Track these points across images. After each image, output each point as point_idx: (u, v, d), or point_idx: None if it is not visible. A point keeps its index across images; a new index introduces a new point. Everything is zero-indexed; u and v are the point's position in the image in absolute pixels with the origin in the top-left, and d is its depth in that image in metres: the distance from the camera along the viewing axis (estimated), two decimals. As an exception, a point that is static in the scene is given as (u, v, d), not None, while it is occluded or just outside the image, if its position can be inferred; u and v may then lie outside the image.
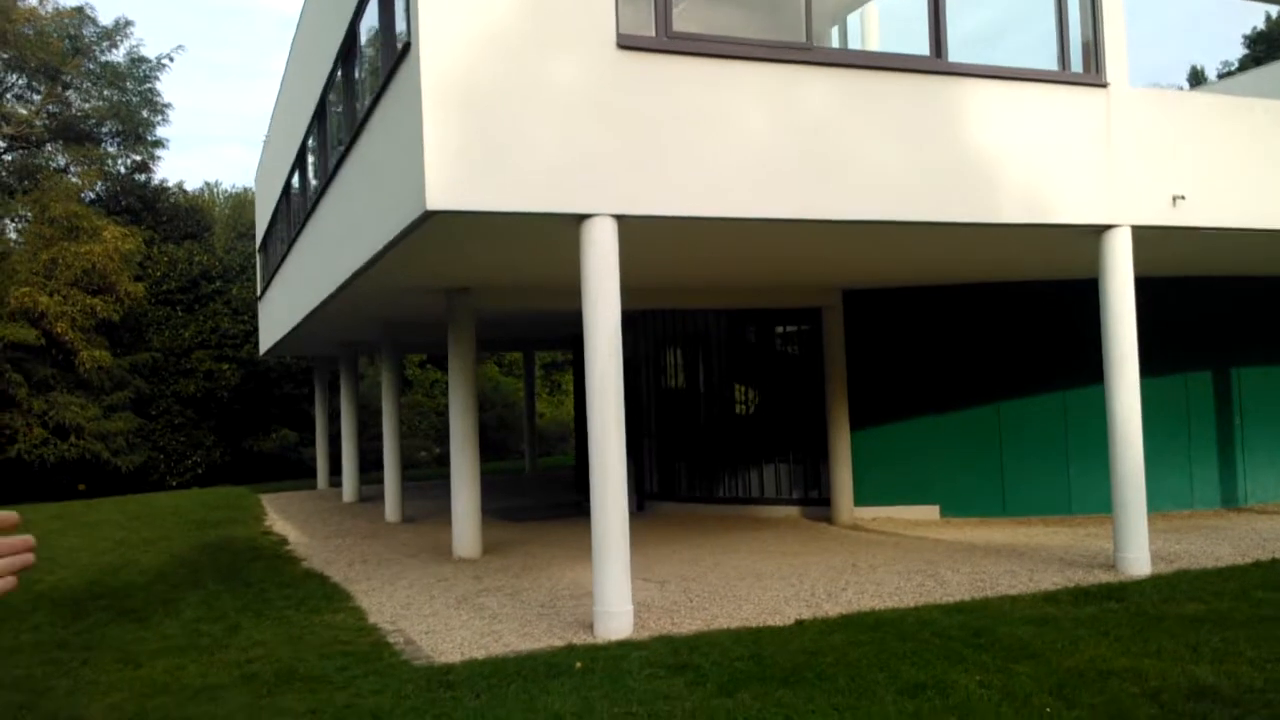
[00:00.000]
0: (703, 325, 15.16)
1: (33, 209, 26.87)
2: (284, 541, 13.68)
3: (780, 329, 14.92)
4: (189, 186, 37.84)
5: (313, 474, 24.08)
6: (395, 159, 7.87)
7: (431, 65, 6.97)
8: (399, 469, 15.84)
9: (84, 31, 29.52)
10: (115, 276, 26.03)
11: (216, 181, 54.93)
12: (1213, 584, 8.43)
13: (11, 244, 28.29)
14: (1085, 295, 9.80)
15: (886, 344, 13.69)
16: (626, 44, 7.43)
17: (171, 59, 37.44)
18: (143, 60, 30.96)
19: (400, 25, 7.89)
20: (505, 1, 7.16)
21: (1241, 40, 40.26)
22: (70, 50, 28.79)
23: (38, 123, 29.03)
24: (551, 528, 13.76)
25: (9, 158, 29.65)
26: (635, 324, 15.58)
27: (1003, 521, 12.89)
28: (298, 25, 15.08)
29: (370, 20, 9.46)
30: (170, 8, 75.37)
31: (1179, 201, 9.30)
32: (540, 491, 19.54)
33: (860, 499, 13.47)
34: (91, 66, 29.84)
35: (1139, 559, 9.17)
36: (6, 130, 28.63)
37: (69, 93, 29.65)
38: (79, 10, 29.24)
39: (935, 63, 8.52)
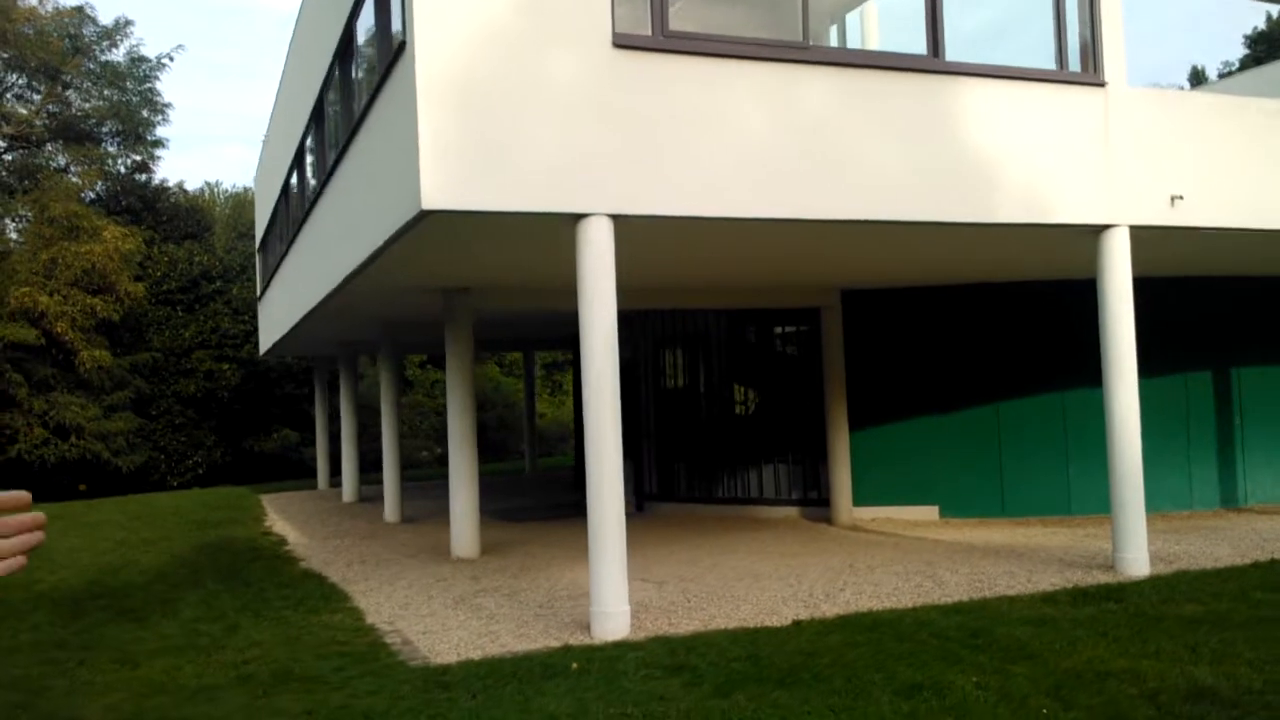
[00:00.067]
0: (702, 325, 15.14)
1: (33, 209, 26.89)
2: (283, 542, 13.67)
3: (779, 329, 14.90)
4: (189, 186, 37.87)
5: (314, 474, 24.09)
6: (391, 158, 7.86)
7: (426, 64, 6.96)
8: (398, 469, 15.83)
9: (84, 31, 29.52)
10: (115, 276, 26.04)
11: (217, 181, 54.95)
12: (1212, 585, 8.41)
13: (12, 244, 28.31)
14: (1085, 296, 9.78)
15: (885, 344, 13.67)
16: (623, 43, 7.42)
17: (171, 58, 37.42)
18: (143, 60, 30.98)
19: (396, 24, 7.88)
20: (501, 0, 7.15)
21: (1242, 40, 40.24)
22: (70, 50, 28.79)
23: (38, 122, 29.03)
24: (551, 528, 13.75)
25: (9, 157, 29.66)
26: (634, 324, 15.57)
27: (1002, 522, 12.87)
28: (296, 24, 15.07)
29: (367, 19, 9.45)
30: (170, 7, 75.45)
31: (1177, 201, 9.28)
32: (540, 492, 19.52)
33: (859, 499, 13.45)
34: (91, 66, 29.84)
35: (1138, 559, 9.15)
36: (7, 130, 28.64)
37: (69, 92, 29.66)
38: (79, 10, 29.24)
39: (933, 62, 8.50)
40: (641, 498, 15.44)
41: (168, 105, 31.51)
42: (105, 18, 49.21)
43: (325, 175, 11.68)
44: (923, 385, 13.48)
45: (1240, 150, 9.73)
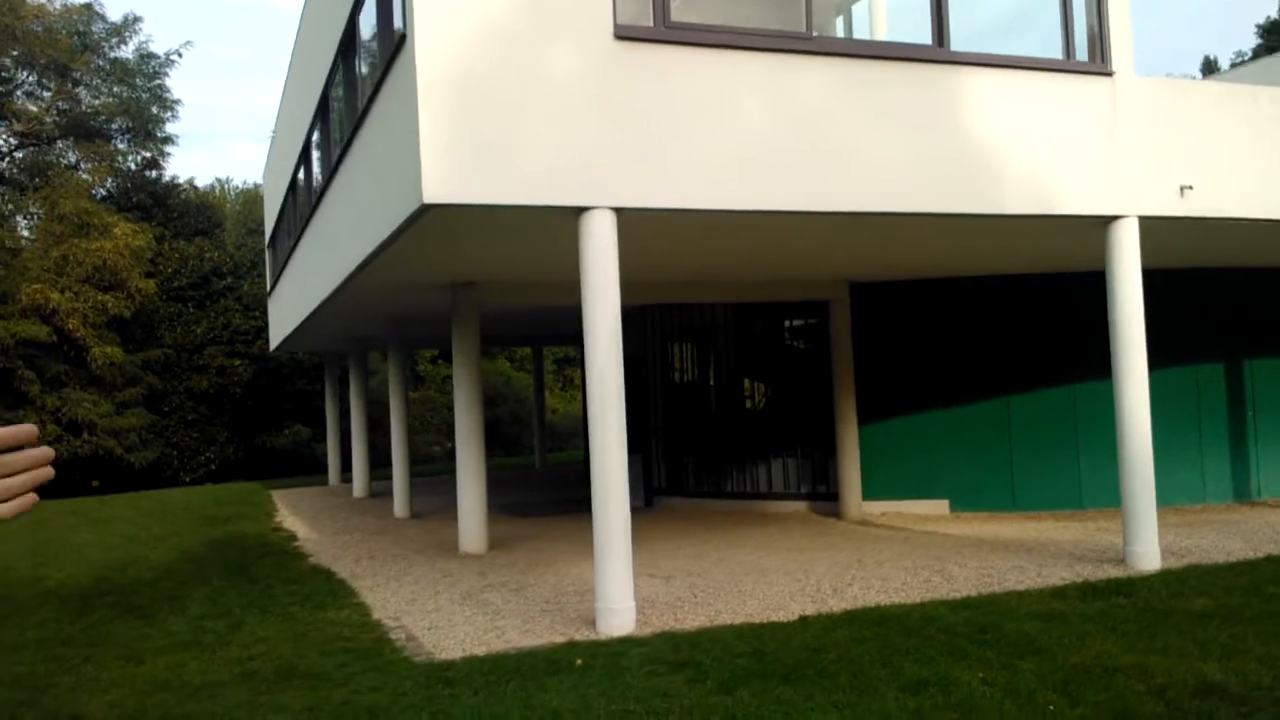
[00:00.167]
0: (710, 319, 15.09)
1: (43, 206, 26.98)
2: (293, 537, 13.69)
3: (787, 323, 14.84)
4: (199, 183, 37.74)
5: (325, 470, 24.15)
6: (393, 152, 7.83)
7: (427, 57, 6.92)
8: (407, 465, 15.84)
9: (93, 28, 29.57)
10: (126, 273, 26.12)
11: (227, 177, 55.22)
12: (1223, 579, 8.33)
13: (23, 241, 28.41)
14: (1095, 288, 9.69)
15: (894, 338, 13.60)
16: (624, 34, 7.37)
17: (180, 55, 37.69)
18: (152, 56, 31.04)
19: (397, 17, 7.85)
20: (503, -7, 7.11)
21: (1255, 30, 39.93)
22: (79, 47, 28.85)
23: (48, 119, 29.10)
24: (559, 523, 13.73)
25: (20, 155, 29.77)
26: (642, 318, 15.53)
27: (1012, 516, 12.80)
28: (300, 19, 15.06)
29: (369, 13, 9.43)
30: (178, 3, 75.65)
31: (1186, 191, 9.18)
32: (549, 487, 19.52)
33: (869, 493, 13.39)
34: (101, 63, 29.90)
35: (1148, 553, 9.07)
36: (17, 127, 28.73)
37: (79, 89, 29.71)
38: (87, 7, 29.30)
39: (937, 51, 8.42)
40: (650, 493, 15.40)
41: (177, 102, 31.60)
42: (114, 14, 49.48)
43: (331, 170, 11.66)
44: (932, 379, 13.40)
45: (1250, 140, 9.62)
